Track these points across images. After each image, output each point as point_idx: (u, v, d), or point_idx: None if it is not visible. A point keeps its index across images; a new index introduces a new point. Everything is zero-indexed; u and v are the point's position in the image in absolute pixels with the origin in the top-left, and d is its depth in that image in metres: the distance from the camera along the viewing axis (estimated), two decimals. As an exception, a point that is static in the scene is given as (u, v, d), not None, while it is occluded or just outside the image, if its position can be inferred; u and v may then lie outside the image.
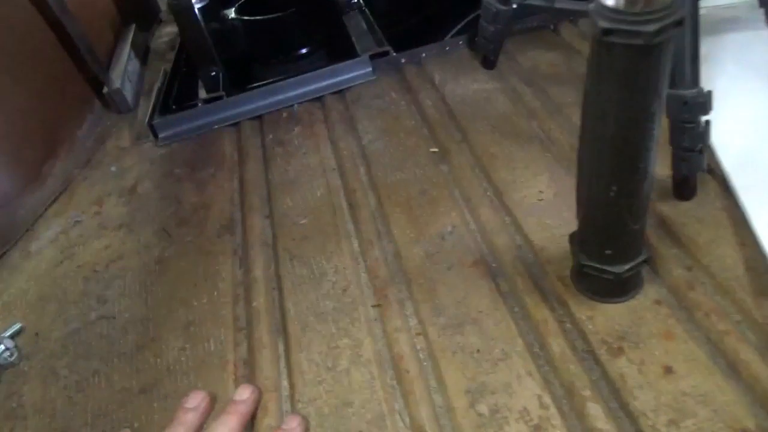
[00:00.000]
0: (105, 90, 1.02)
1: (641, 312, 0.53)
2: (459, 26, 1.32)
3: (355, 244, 0.67)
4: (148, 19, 1.36)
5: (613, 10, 0.38)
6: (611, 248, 0.50)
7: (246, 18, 1.13)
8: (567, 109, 0.79)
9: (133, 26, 1.24)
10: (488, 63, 0.89)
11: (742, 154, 0.63)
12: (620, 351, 0.50)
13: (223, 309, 0.63)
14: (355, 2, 1.11)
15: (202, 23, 0.96)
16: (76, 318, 0.66)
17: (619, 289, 0.53)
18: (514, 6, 0.81)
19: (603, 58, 0.41)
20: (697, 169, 0.60)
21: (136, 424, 0.54)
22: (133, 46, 1.17)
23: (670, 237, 0.58)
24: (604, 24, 0.38)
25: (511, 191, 0.68)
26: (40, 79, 0.94)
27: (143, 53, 1.22)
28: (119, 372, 0.59)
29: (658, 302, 0.53)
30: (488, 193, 0.69)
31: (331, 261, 0.65)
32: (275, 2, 1.12)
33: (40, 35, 0.96)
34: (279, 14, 1.11)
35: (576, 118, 0.76)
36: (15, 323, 0.67)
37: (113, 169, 0.90)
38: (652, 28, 0.37)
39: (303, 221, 0.71)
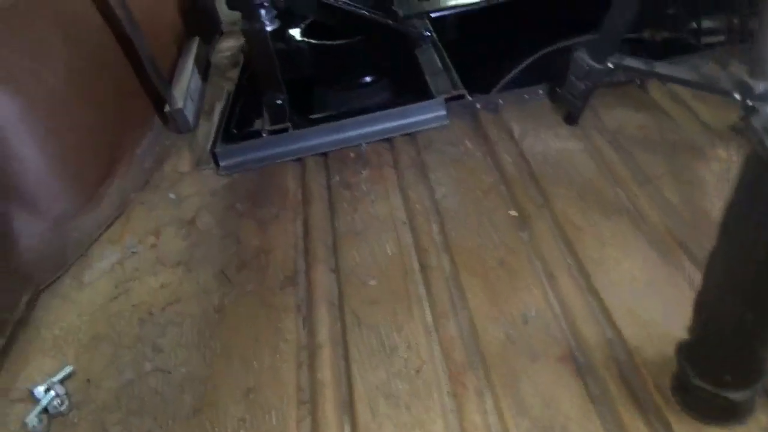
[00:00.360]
0: (167, 109, 0.99)
1: (751, 439, 0.48)
2: (529, 61, 1.28)
3: (428, 314, 0.63)
4: (210, 32, 1.34)
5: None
6: (732, 374, 0.45)
7: (312, 41, 1.09)
8: (657, 180, 0.73)
9: (197, 39, 1.21)
10: (571, 118, 0.84)
11: None
12: (729, 486, 0.45)
13: (286, 375, 0.59)
14: (428, 35, 1.06)
15: (273, 50, 0.93)
16: (129, 366, 0.63)
17: (732, 414, 0.48)
18: (610, 66, 0.76)
19: (764, 178, 0.37)
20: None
21: (191, 505, 0.51)
22: (196, 61, 1.14)
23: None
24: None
25: (598, 272, 0.63)
26: (105, 95, 0.92)
27: (204, 68, 1.19)
28: (174, 437, 0.56)
29: (769, 429, 0.48)
30: (573, 271, 0.64)
31: (402, 332, 0.61)
32: (343, 28, 1.08)
33: (108, 50, 0.94)
34: (346, 41, 1.08)
35: (668, 192, 0.72)
36: (66, 366, 0.64)
37: (172, 196, 0.87)
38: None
39: (372, 282, 0.67)
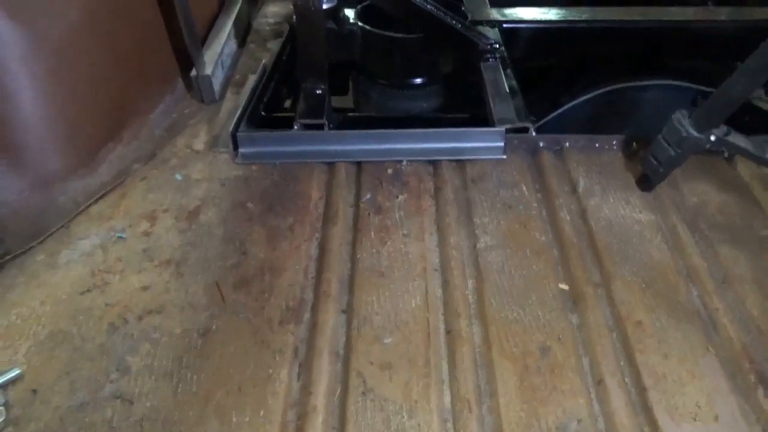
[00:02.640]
0: (193, 73, 0.88)
1: None
2: (597, 92, 1.17)
3: (447, 397, 0.53)
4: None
5: None
6: None
7: (367, 28, 0.97)
8: (738, 284, 0.62)
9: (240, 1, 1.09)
10: (647, 184, 0.73)
11: None
12: None
13: (267, 441, 0.49)
14: (496, 47, 0.94)
15: (324, 34, 0.81)
16: (86, 384, 0.53)
17: None
18: (712, 138, 0.65)
19: None
20: None
21: None
22: (236, 22, 1.02)
23: None
24: None
25: (657, 389, 0.53)
26: (126, 43, 0.80)
27: (244, 32, 1.08)
28: (118, 495, 0.46)
29: None
30: (626, 380, 0.54)
31: (414, 416, 0.51)
32: (404, 20, 0.96)
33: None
34: (404, 35, 0.96)
35: (750, 302, 0.61)
36: (14, 367, 0.54)
37: (178, 176, 0.76)
38: None
39: (388, 339, 0.57)
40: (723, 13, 1.07)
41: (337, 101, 1.04)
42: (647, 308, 0.60)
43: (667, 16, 1.07)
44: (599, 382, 0.54)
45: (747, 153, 0.64)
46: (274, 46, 1.05)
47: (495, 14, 1.07)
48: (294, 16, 0.85)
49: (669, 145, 0.67)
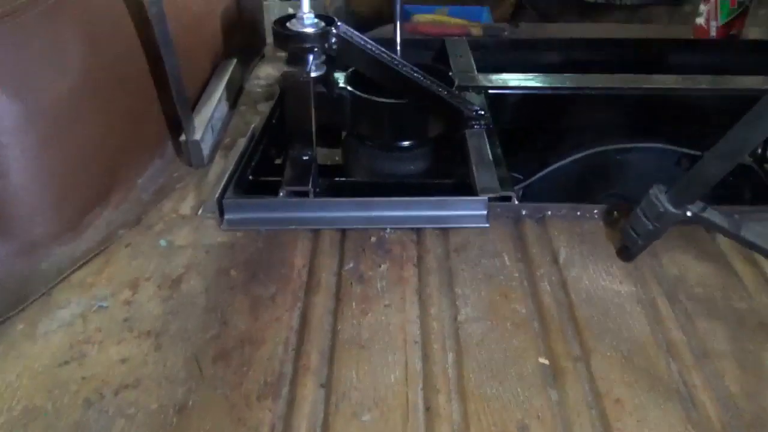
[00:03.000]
0: (183, 138, 0.89)
1: None
2: (574, 157, 1.19)
3: (424, 480, 0.52)
4: (250, 52, 1.25)
5: None
6: None
7: (356, 93, 0.99)
8: (718, 360, 0.63)
9: (234, 61, 1.12)
10: (627, 255, 0.74)
11: None
12: None
13: None
14: (482, 114, 0.97)
15: (312, 103, 0.83)
16: (57, 465, 0.52)
17: None
18: (688, 214, 0.66)
19: None
20: None
21: None
22: (228, 85, 1.05)
23: None
24: None
25: (637, 471, 0.52)
26: (117, 111, 0.82)
27: (235, 95, 1.10)
28: None
29: None
30: (606, 462, 0.53)
31: (389, 500, 0.50)
32: (392, 87, 0.99)
33: (132, 62, 0.85)
34: (392, 100, 0.98)
35: (730, 378, 0.60)
36: (-16, 445, 0.53)
37: (163, 243, 0.76)
38: None
39: (366, 416, 0.56)
40: (704, 82, 1.10)
41: (327, 154, 1.06)
42: (626, 384, 0.60)
43: (648, 84, 1.10)
44: (578, 464, 0.53)
45: (722, 229, 0.65)
46: (265, 108, 1.07)
47: (481, 80, 1.09)
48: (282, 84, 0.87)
49: (647, 218, 0.69)
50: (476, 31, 1.34)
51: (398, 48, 1.04)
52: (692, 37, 1.34)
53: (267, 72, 1.21)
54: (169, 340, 0.64)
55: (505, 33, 1.34)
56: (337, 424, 0.56)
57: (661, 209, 0.66)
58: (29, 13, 0.68)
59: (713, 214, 0.65)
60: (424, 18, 1.38)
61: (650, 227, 0.68)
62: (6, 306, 0.68)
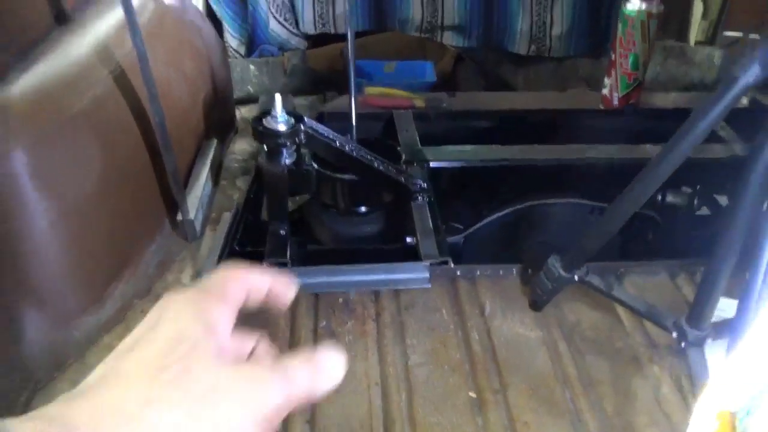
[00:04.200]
0: (179, 217, 1.08)
1: None
2: (497, 215, 1.41)
3: (386, 488, 0.72)
4: (226, 130, 1.44)
5: None
6: None
7: (320, 169, 1.20)
8: (599, 387, 0.85)
9: (214, 142, 1.31)
10: (536, 307, 0.96)
11: None
12: None
13: None
14: (424, 187, 1.19)
15: (287, 188, 1.03)
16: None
17: None
18: (576, 278, 0.89)
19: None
20: None
21: None
22: (211, 165, 1.24)
23: None
24: None
25: (537, 473, 0.73)
26: (126, 201, 1.00)
27: (216, 172, 1.29)
28: None
29: None
30: (516, 468, 0.75)
31: (361, 503, 0.70)
32: (348, 168, 1.20)
33: (137, 160, 1.03)
34: (350, 176, 1.19)
35: (606, 401, 0.83)
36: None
37: (171, 310, 0.94)
38: None
39: (341, 443, 0.76)
40: (604, 151, 1.36)
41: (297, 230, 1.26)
42: (533, 411, 0.81)
43: (567, 155, 1.34)
44: (495, 470, 0.74)
45: (598, 290, 0.88)
46: (242, 183, 1.27)
47: (425, 154, 1.32)
48: (259, 168, 1.06)
49: (547, 279, 0.91)
50: (419, 102, 1.56)
51: (353, 124, 1.25)
52: (601, 106, 1.60)
53: (242, 147, 1.40)
54: (186, 391, 0.82)
55: (444, 105, 1.57)
56: (320, 450, 0.75)
57: (557, 274, 0.89)
58: (56, 123, 0.87)
59: (593, 278, 0.88)
60: (373, 90, 1.60)
61: (550, 287, 0.91)
62: (48, 369, 0.85)
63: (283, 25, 1.84)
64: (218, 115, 1.40)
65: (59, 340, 0.88)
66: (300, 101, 1.62)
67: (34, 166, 0.83)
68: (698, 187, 1.37)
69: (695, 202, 1.36)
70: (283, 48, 1.85)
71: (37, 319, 0.87)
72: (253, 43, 1.84)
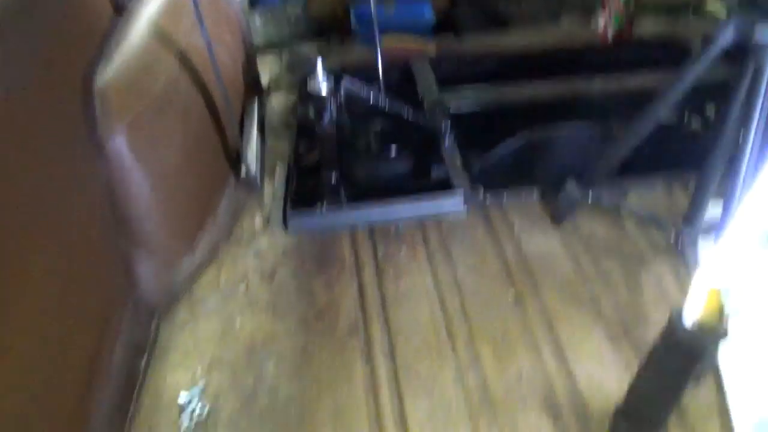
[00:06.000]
0: (243, 172, 1.25)
1: (654, 469, 0.79)
2: (515, 142, 1.58)
3: (455, 368, 0.92)
4: (259, 90, 1.59)
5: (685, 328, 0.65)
6: (645, 428, 0.77)
7: (355, 119, 1.37)
8: (614, 283, 1.05)
9: (256, 101, 1.47)
10: (557, 222, 1.15)
11: (739, 361, 0.89)
12: (638, 497, 0.76)
13: (359, 401, 0.88)
14: (448, 127, 1.35)
15: (336, 143, 1.20)
16: (247, 386, 0.90)
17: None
18: (589, 196, 1.07)
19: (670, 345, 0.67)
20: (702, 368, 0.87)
21: (305, 486, 0.79)
22: (258, 123, 1.40)
23: (678, 413, 0.85)
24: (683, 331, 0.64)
25: (568, 348, 0.94)
26: (202, 163, 1.17)
27: (262, 128, 1.45)
28: (286, 440, 0.84)
29: (665, 463, 0.80)
30: (551, 345, 0.95)
31: (437, 379, 0.90)
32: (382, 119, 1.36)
33: (208, 127, 1.20)
34: (381, 124, 1.36)
35: (620, 293, 1.03)
36: (198, 382, 0.91)
37: (252, 250, 1.13)
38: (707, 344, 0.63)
39: (413, 339, 0.96)
40: (611, 82, 1.52)
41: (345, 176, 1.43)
42: (561, 303, 1.01)
43: (570, 87, 1.51)
44: (536, 348, 0.95)
45: (608, 205, 1.07)
46: (285, 135, 1.43)
47: (444, 98, 1.48)
48: (300, 122, 1.23)
49: (565, 200, 1.10)
50: (431, 48, 1.71)
51: (380, 76, 1.40)
52: (598, 41, 1.75)
53: (279, 101, 1.56)
54: (281, 310, 1.02)
55: (453, 49, 1.72)
56: (398, 344, 0.96)
57: (573, 195, 1.08)
58: (143, 105, 1.02)
59: (603, 195, 1.07)
60: (388, 40, 1.74)
61: (568, 206, 1.10)
62: (166, 302, 1.04)
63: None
64: (251, 76, 1.55)
65: (168, 280, 1.07)
66: (303, 48, 1.75)
67: (133, 143, 0.99)
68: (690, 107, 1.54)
69: (688, 120, 1.54)
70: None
71: (149, 265, 1.05)
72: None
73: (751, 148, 0.85)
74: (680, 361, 0.66)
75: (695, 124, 1.53)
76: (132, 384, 0.92)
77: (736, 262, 0.71)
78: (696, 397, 0.86)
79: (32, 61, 0.82)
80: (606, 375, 0.90)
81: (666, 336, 0.67)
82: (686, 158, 1.37)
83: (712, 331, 0.63)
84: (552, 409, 0.86)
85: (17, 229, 0.73)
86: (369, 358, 0.94)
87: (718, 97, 1.25)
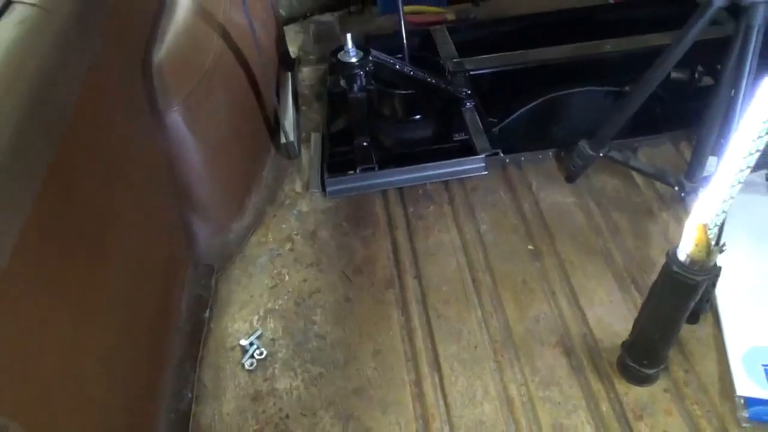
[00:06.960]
0: (283, 140, 1.36)
1: (655, 395, 0.92)
2: (533, 104, 1.66)
3: (479, 312, 1.05)
4: (289, 62, 1.69)
5: (680, 262, 0.75)
6: (648, 360, 0.88)
7: (381, 88, 1.46)
8: (623, 232, 1.15)
9: (289, 73, 1.57)
10: (571, 179, 1.25)
11: (734, 299, 1.00)
12: (641, 417, 0.89)
13: (397, 345, 1.01)
14: (469, 93, 1.45)
15: (366, 109, 1.30)
16: (298, 332, 1.04)
17: (645, 380, 0.92)
18: (601, 154, 1.17)
19: (667, 280, 0.78)
20: (701, 307, 0.98)
21: (355, 413, 0.93)
22: (293, 94, 1.51)
23: (679, 348, 0.96)
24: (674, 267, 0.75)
25: (582, 294, 1.06)
26: (246, 132, 1.29)
27: (296, 99, 1.55)
28: (336, 377, 0.97)
29: (666, 390, 0.92)
30: (567, 292, 1.07)
31: (465, 324, 1.03)
32: (405, 85, 1.45)
33: (250, 98, 1.30)
34: (408, 91, 1.46)
35: (629, 241, 1.14)
36: (257, 329, 1.04)
37: (294, 212, 1.26)
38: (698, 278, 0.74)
39: (444, 288, 1.09)
40: (611, 44, 1.59)
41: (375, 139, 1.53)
42: (575, 253, 1.12)
43: (583, 51, 1.58)
44: (553, 294, 1.06)
45: (618, 162, 1.16)
46: (317, 106, 1.54)
47: (464, 64, 1.56)
48: (331, 92, 1.33)
49: (578, 158, 1.20)
50: (450, 16, 1.79)
51: (405, 45, 1.48)
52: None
53: (307, 73, 1.65)
54: (324, 266, 1.15)
55: (472, 15, 1.79)
56: (429, 294, 1.08)
57: (586, 153, 1.17)
58: (195, 80, 1.13)
59: (614, 153, 1.16)
60: (408, 9, 1.81)
61: (581, 163, 1.20)
62: (221, 261, 1.18)
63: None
64: (283, 48, 1.65)
65: (221, 241, 1.20)
66: (327, 18, 1.83)
67: (187, 116, 1.11)
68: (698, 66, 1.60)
69: (699, 77, 1.60)
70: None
71: (204, 227, 1.18)
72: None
73: (742, 104, 0.94)
74: (676, 293, 0.77)
75: (706, 81, 1.60)
76: (198, 332, 1.06)
77: (721, 200, 0.75)
78: (695, 333, 0.98)
79: (101, 40, 0.92)
80: (615, 317, 1.01)
81: (663, 272, 0.78)
82: (697, 115, 1.45)
83: (702, 264, 0.74)
84: (566, 348, 0.98)
85: (105, 191, 0.85)
86: (404, 307, 1.07)
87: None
